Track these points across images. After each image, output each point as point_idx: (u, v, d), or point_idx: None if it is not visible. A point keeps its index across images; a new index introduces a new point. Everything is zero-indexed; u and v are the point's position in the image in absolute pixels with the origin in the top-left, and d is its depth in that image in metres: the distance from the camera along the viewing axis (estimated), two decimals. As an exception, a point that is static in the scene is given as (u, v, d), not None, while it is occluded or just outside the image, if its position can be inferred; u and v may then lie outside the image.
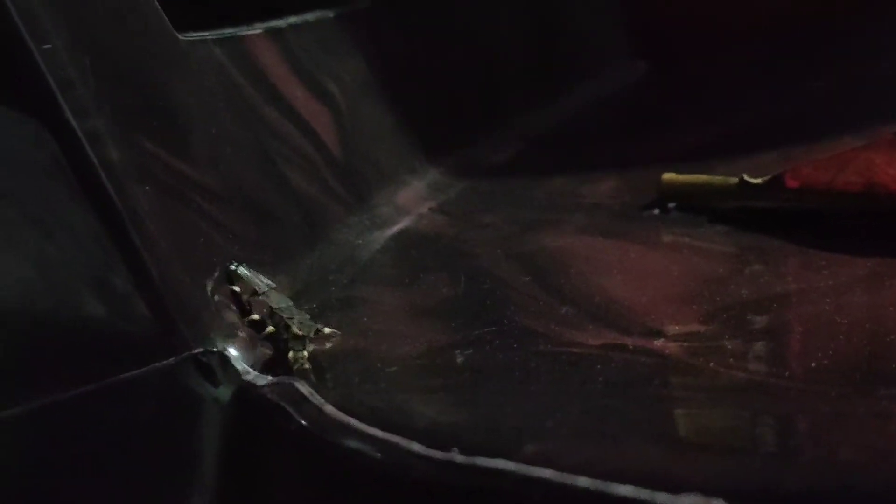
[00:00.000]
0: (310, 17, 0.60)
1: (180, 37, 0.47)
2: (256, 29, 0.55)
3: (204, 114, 0.47)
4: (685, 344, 0.39)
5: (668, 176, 0.58)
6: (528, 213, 0.60)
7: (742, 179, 0.55)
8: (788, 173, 0.53)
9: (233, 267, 0.44)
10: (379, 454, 0.31)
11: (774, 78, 0.70)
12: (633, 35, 0.79)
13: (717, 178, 0.57)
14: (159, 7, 0.46)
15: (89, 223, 0.39)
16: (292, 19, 0.58)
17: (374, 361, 0.41)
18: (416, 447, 0.30)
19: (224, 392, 0.40)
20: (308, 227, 0.53)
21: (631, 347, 0.40)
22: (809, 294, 0.44)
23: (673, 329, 0.42)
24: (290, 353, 0.40)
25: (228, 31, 0.53)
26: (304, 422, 0.36)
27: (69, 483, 0.39)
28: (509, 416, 0.33)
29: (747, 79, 0.72)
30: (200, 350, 0.40)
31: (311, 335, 0.41)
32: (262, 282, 0.44)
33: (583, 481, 0.25)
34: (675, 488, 0.23)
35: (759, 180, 0.54)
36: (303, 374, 0.40)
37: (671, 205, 0.58)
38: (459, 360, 0.39)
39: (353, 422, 0.33)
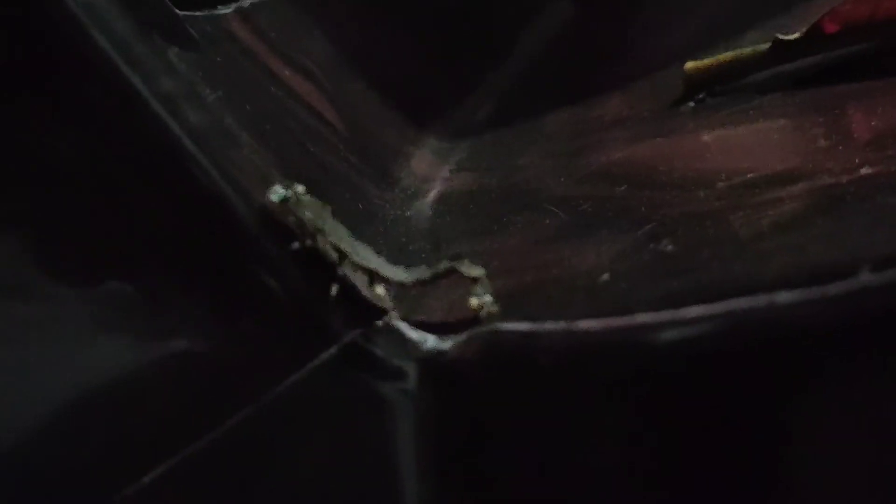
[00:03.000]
0: (261, -6, 0.52)
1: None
2: (229, 7, 0.47)
3: (233, 90, 0.39)
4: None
5: (690, 64, 0.55)
6: (559, 146, 0.55)
7: (776, 39, 0.52)
8: (825, 18, 0.51)
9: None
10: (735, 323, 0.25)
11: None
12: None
13: (745, 50, 0.54)
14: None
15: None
16: (247, 1, 0.51)
17: (545, 289, 0.34)
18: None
19: (410, 377, 0.32)
20: (355, 204, 0.46)
21: (832, 182, 0.35)
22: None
23: (843, 167, 0.37)
24: (474, 300, 0.33)
25: (202, 11, 0.45)
26: (547, 359, 0.29)
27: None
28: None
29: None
30: (359, 331, 0.32)
31: (485, 275, 0.34)
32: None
33: None
34: None
35: (793, 35, 0.51)
36: (493, 319, 0.32)
37: (700, 95, 0.55)
38: (667, 247, 0.33)
39: (646, 317, 0.27)
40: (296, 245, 0.33)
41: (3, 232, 0.34)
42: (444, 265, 0.35)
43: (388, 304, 0.35)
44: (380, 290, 0.36)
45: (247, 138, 0.36)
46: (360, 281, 0.35)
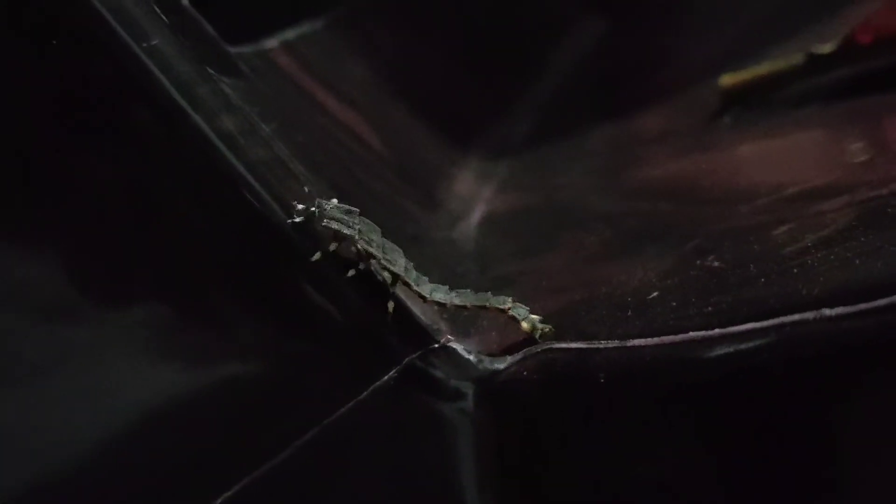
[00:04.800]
0: (307, 27, 0.54)
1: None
2: (275, 41, 0.49)
3: (284, 122, 0.41)
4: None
5: (727, 78, 0.55)
6: (599, 163, 0.56)
7: (809, 53, 0.53)
8: (858, 29, 0.51)
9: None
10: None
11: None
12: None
13: (778, 63, 0.54)
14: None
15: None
16: (292, 33, 0.52)
17: (595, 307, 0.35)
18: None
19: (467, 396, 0.33)
20: (403, 228, 0.47)
21: (873, 194, 0.36)
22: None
23: (882, 179, 0.38)
24: (524, 323, 0.34)
25: (250, 46, 0.47)
26: (601, 375, 0.30)
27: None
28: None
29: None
30: (417, 353, 0.34)
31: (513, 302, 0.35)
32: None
33: None
34: None
35: (827, 48, 0.52)
36: (547, 337, 0.34)
37: (736, 108, 0.55)
38: (713, 263, 0.34)
39: (698, 333, 0.28)
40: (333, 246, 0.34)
41: (75, 259, 0.35)
42: (471, 299, 0.36)
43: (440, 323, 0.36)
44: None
45: (301, 168, 0.38)
46: (412, 301, 0.36)
